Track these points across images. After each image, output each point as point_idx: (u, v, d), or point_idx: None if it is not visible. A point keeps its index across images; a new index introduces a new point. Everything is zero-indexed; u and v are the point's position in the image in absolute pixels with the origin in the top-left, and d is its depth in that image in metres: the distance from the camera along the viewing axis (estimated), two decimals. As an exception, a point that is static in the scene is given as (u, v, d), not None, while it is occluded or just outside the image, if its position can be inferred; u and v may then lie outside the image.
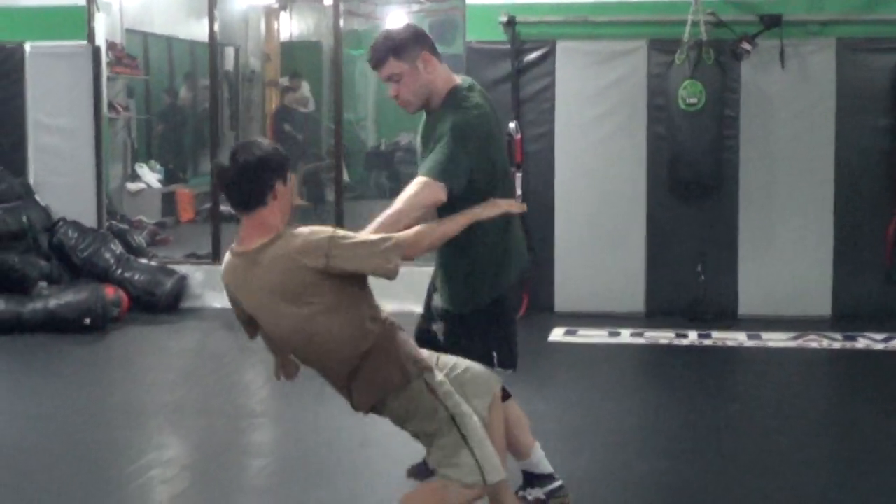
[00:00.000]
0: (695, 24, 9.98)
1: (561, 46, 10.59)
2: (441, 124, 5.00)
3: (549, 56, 10.61)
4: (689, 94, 9.85)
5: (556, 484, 5.57)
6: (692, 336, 9.86)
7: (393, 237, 4.53)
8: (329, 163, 20.10)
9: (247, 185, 4.57)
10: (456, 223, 4.81)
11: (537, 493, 5.57)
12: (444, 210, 4.95)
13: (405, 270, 4.58)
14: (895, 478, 6.29)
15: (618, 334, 9.91)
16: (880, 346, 9.56)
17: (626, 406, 7.93)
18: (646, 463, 6.54)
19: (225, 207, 13.46)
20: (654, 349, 9.64)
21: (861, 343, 9.65)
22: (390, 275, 4.49)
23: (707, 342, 9.71)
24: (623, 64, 10.53)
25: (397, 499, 4.74)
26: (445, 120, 5.00)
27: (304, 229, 4.59)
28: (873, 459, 6.61)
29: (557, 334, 10.01)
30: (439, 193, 4.88)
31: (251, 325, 4.89)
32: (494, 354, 5.17)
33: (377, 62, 5.09)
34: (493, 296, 5.17)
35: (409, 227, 4.75)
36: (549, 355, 9.55)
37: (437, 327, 5.40)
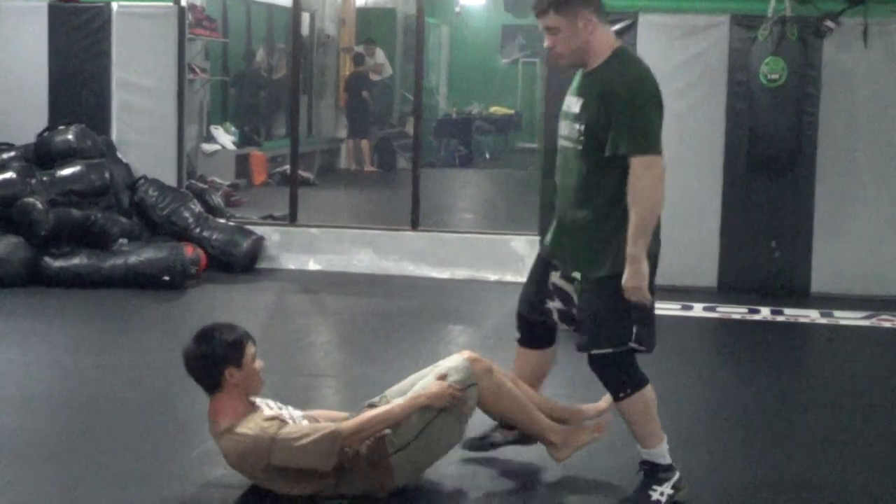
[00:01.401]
0: (779, 0, 9.96)
1: (644, 19, 10.59)
2: (610, 85, 5.05)
3: (632, 28, 10.60)
4: (770, 70, 9.80)
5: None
6: (764, 312, 9.87)
7: (334, 434, 5.01)
8: (400, 130, 20.22)
9: (200, 373, 5.16)
10: (401, 407, 5.09)
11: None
12: (606, 166, 5.03)
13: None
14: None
15: (690, 308, 9.92)
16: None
17: (699, 379, 7.96)
18: (717, 435, 6.59)
19: (301, 171, 13.65)
20: (727, 324, 9.65)
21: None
22: (326, 470, 5.03)
23: (779, 318, 9.72)
24: (705, 38, 10.51)
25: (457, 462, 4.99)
26: (615, 81, 5.05)
27: (251, 430, 5.07)
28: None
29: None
30: (657, 164, 5.00)
31: None
32: (634, 329, 5.13)
33: (539, 11, 5.17)
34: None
35: (654, 214, 5.00)
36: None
37: (555, 306, 5.47)
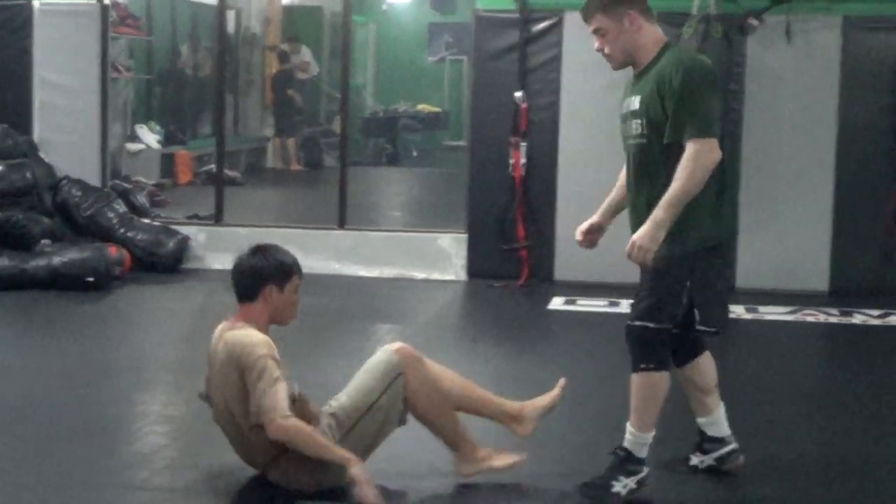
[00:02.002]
0: (703, -4, 10.04)
1: (569, 17, 10.57)
2: (667, 73, 5.15)
3: (557, 26, 10.66)
4: (695, 67, 9.86)
5: (728, 449, 5.69)
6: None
7: (283, 417, 5.01)
8: (327, 128, 20.17)
9: (243, 280, 5.34)
10: (329, 452, 5.04)
11: (708, 458, 5.73)
12: (671, 156, 5.12)
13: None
14: (889, 449, 6.39)
15: (617, 304, 9.97)
16: (876, 322, 9.67)
17: (626, 375, 7.99)
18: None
19: (228, 171, 13.57)
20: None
21: (857, 318, 9.75)
22: (264, 424, 5.03)
23: (746, 316, 9.78)
24: (632, 36, 10.55)
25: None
26: (667, 72, 5.15)
27: (253, 336, 5.21)
28: (867, 432, 6.68)
29: (557, 303, 10.09)
30: (715, 150, 5.09)
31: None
32: (696, 312, 5.30)
33: (586, 15, 5.34)
34: (706, 244, 5.26)
35: (694, 193, 5.05)
36: (548, 323, 9.65)
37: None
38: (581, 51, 10.49)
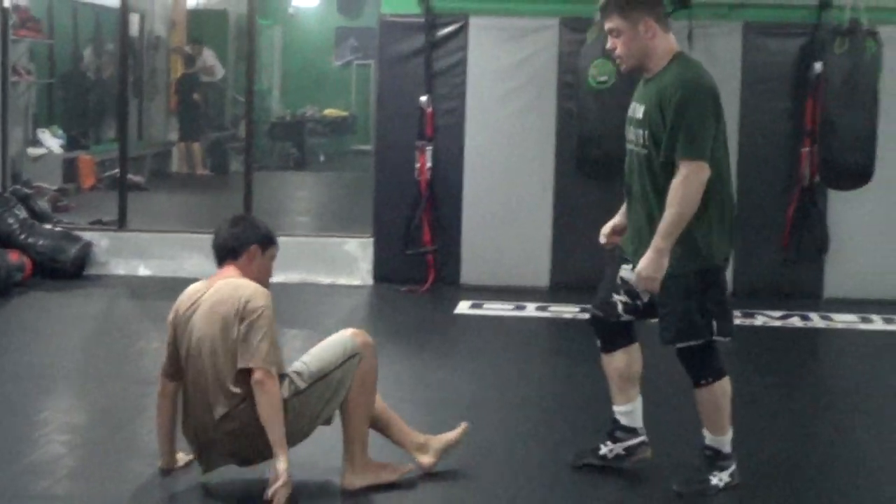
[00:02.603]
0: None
1: (474, 22, 10.66)
2: (669, 89, 5.29)
3: (462, 31, 10.69)
4: (599, 72, 9.89)
5: (638, 440, 5.88)
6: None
7: (275, 369, 5.23)
8: (233, 133, 20.06)
9: (229, 239, 5.51)
10: (278, 429, 5.17)
11: (617, 447, 5.89)
12: (673, 168, 5.25)
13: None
14: (791, 447, 6.49)
15: (523, 308, 10.02)
16: (777, 324, 9.80)
17: (530, 377, 8.05)
18: (549, 431, 6.68)
19: (131, 175, 13.44)
20: (558, 323, 9.77)
21: (759, 320, 9.87)
22: (253, 366, 5.16)
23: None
24: (535, 41, 10.62)
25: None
26: (671, 86, 5.29)
27: (253, 284, 5.40)
28: (772, 431, 6.80)
29: (463, 307, 10.11)
30: (704, 171, 5.23)
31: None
32: (714, 323, 5.40)
33: (604, 13, 5.45)
34: (714, 262, 5.41)
35: (689, 216, 5.22)
36: (455, 327, 9.67)
37: (620, 298, 5.64)
38: (486, 55, 10.63)
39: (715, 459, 5.64)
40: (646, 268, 5.27)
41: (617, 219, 5.95)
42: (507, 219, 10.73)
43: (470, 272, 10.83)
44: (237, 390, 5.23)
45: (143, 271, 11.12)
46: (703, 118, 5.27)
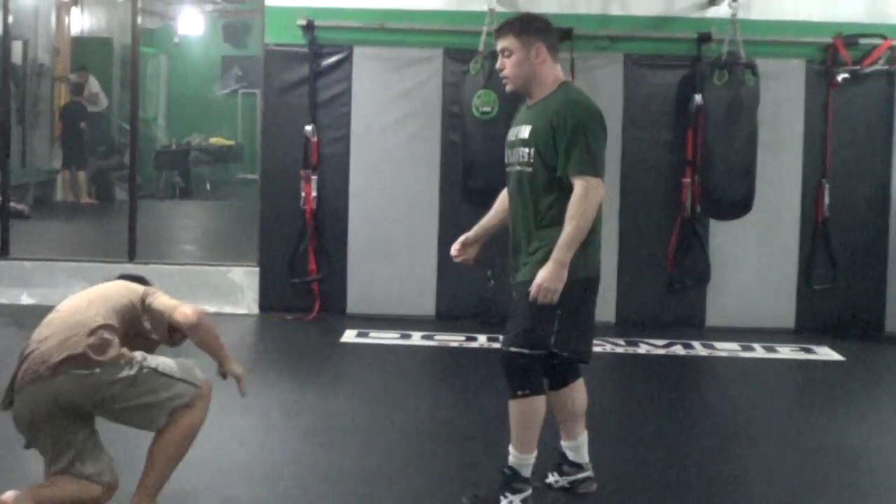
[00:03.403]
0: (489, 34, 10.12)
1: (358, 52, 10.73)
2: (562, 110, 5.43)
3: (347, 61, 10.73)
4: (482, 102, 9.99)
5: (584, 475, 5.97)
6: (482, 339, 10.08)
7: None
8: (118, 161, 19.88)
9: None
10: (218, 348, 5.39)
11: (563, 480, 5.98)
12: (556, 186, 5.42)
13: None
14: (672, 472, 6.58)
15: (409, 336, 10.05)
16: (661, 352, 9.94)
17: (417, 405, 8.07)
18: (434, 459, 6.71)
19: (14, 203, 13.27)
20: (445, 351, 9.82)
21: (642, 348, 10.01)
22: (175, 311, 5.34)
23: (496, 345, 9.85)
24: (419, 71, 10.71)
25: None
26: (564, 108, 5.44)
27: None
28: (653, 456, 6.89)
29: (349, 336, 10.12)
30: (601, 187, 5.40)
31: None
32: (553, 337, 5.47)
33: (500, 32, 5.65)
34: (577, 275, 5.43)
35: (586, 230, 5.37)
36: (341, 356, 9.68)
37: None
38: (371, 85, 10.69)
39: (511, 480, 5.65)
40: (546, 279, 5.33)
41: (468, 233, 6.11)
42: (392, 248, 10.78)
43: (356, 301, 10.86)
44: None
45: (25, 300, 10.99)
46: (598, 139, 5.46)
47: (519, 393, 5.54)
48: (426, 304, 10.82)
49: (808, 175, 10.81)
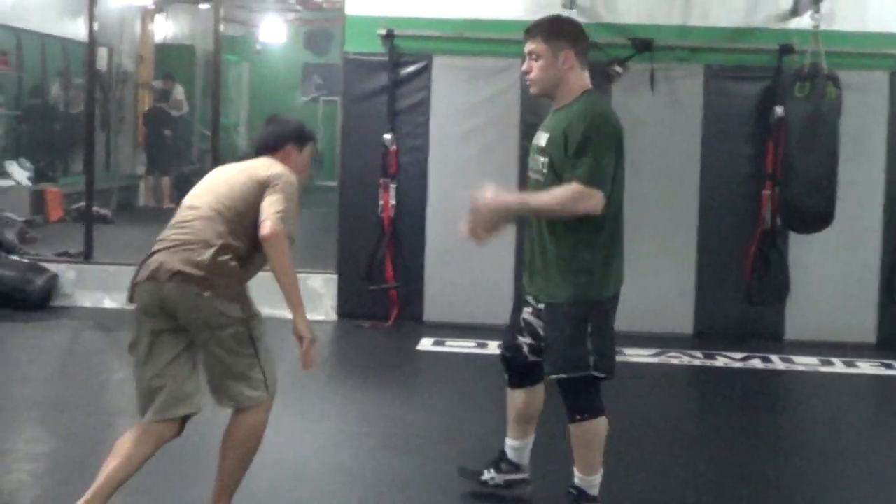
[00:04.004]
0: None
1: (437, 61, 10.80)
2: (576, 118, 5.33)
3: (426, 70, 10.80)
4: (561, 112, 10.02)
5: (520, 476, 6.03)
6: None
7: (286, 226, 5.18)
8: (200, 167, 20.05)
9: (268, 138, 5.61)
10: (296, 286, 5.28)
11: (499, 477, 6.03)
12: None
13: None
14: (750, 490, 6.55)
15: (485, 345, 10.05)
16: (738, 365, 9.89)
17: (491, 414, 8.08)
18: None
19: (97, 208, 13.46)
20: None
21: (720, 361, 9.96)
22: (266, 219, 5.13)
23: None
24: (497, 81, 10.73)
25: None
26: (578, 118, 5.33)
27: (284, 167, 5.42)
28: (730, 473, 6.87)
29: (426, 344, 10.17)
30: (593, 200, 5.23)
31: None
32: (591, 358, 5.41)
33: (529, 34, 5.51)
34: (603, 295, 5.45)
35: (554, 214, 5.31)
36: (417, 364, 9.73)
37: (524, 340, 5.69)
38: (449, 94, 10.73)
39: (578, 499, 5.64)
40: (490, 198, 5.34)
41: None
42: (469, 256, 10.77)
43: (433, 309, 10.91)
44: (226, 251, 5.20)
45: (108, 304, 11.14)
46: (606, 151, 5.29)
47: (577, 418, 5.53)
48: (503, 313, 10.77)
49: (891, 187, 10.73)
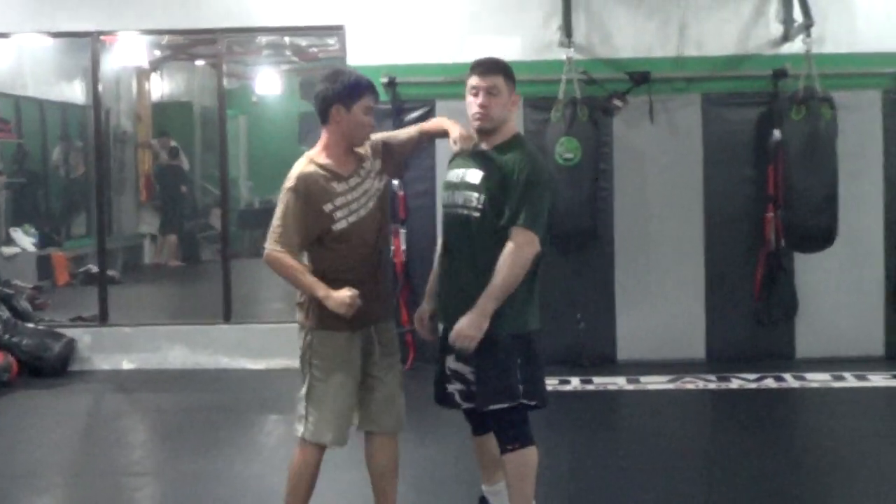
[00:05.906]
0: (569, 82, 10.31)
1: (441, 106, 10.86)
2: (519, 163, 5.48)
3: (429, 115, 10.86)
4: (565, 149, 10.13)
5: None
6: (574, 382, 10.18)
7: (270, 247, 5.54)
8: (204, 222, 20.17)
9: (317, 105, 5.58)
10: (301, 280, 5.52)
11: None
12: (502, 234, 5.43)
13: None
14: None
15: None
16: (752, 386, 9.98)
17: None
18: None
19: (109, 271, 13.54)
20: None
21: (735, 383, 10.05)
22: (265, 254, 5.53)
23: (589, 387, 10.03)
24: (500, 122, 10.81)
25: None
26: (522, 162, 5.48)
27: (295, 168, 5.61)
28: (751, 493, 6.96)
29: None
30: (535, 243, 5.42)
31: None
32: (521, 387, 5.48)
33: (490, 69, 5.63)
34: (531, 326, 5.57)
35: (516, 284, 5.41)
36: (434, 407, 9.75)
37: (455, 388, 5.77)
38: (454, 138, 10.77)
39: None
40: (468, 326, 5.38)
41: (424, 305, 6.05)
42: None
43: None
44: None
45: (126, 365, 11.22)
46: (545, 199, 5.49)
47: (509, 447, 5.58)
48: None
49: (890, 202, 10.86)
